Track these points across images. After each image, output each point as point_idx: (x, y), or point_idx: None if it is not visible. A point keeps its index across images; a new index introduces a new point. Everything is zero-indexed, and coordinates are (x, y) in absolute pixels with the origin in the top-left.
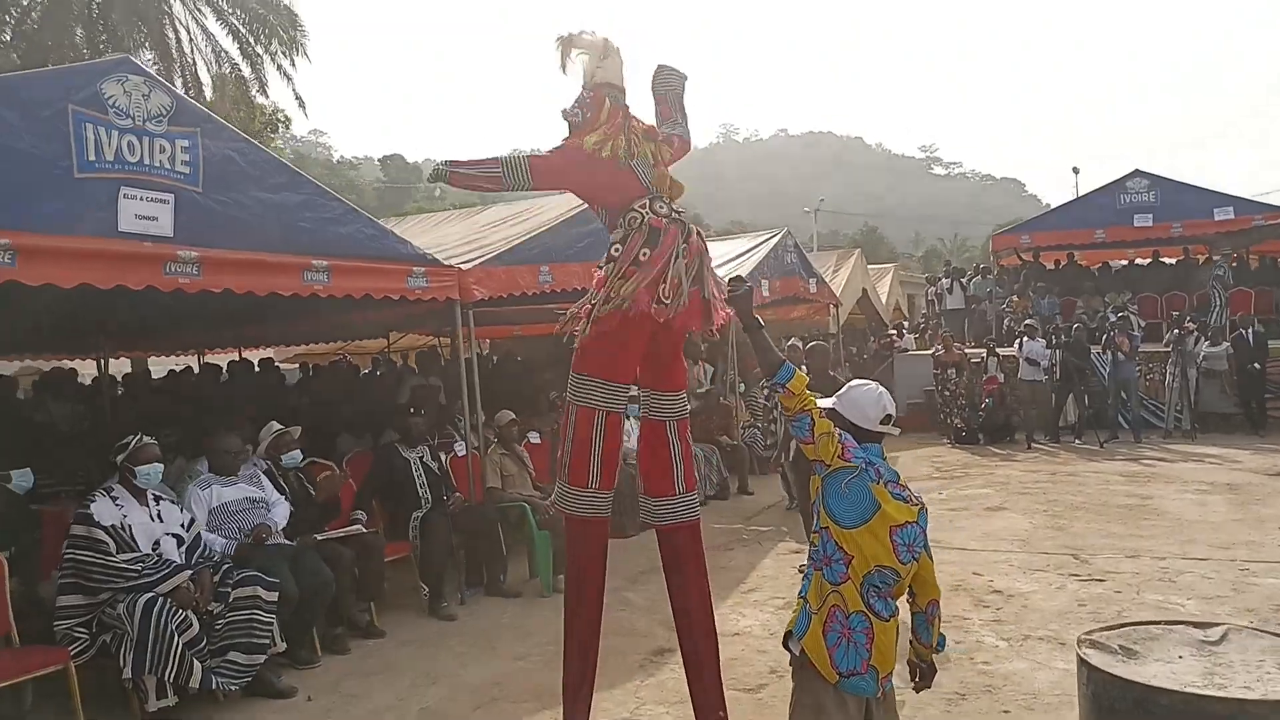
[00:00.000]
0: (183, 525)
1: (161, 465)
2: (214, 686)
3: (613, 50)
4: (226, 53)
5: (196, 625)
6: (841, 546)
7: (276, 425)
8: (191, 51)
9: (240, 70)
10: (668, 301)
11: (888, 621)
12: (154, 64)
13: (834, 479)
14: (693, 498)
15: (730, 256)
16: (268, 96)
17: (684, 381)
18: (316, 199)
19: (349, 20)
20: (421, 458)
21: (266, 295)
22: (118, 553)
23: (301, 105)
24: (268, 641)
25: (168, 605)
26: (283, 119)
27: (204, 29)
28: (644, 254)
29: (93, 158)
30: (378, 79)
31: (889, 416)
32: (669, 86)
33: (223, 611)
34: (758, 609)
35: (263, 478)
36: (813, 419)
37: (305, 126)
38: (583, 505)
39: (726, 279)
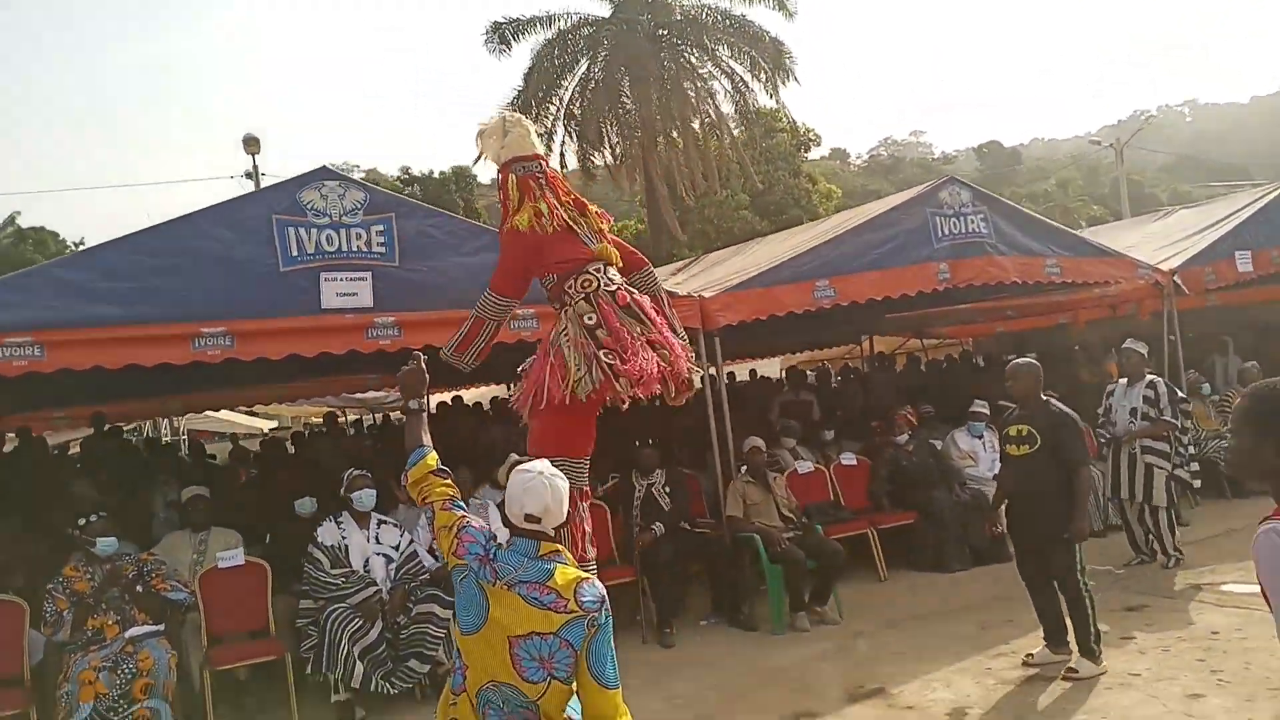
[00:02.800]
0: (395, 546)
1: (373, 491)
2: (373, 687)
3: (512, 124)
4: (729, 91)
5: (374, 634)
6: (460, 653)
7: (515, 456)
8: (699, 98)
9: (744, 103)
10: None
11: None
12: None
13: (453, 577)
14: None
15: (1200, 227)
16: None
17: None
18: None
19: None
20: (652, 485)
21: None
22: (331, 569)
23: (793, 125)
24: (435, 653)
25: (347, 615)
26: (814, 137)
27: (699, 76)
28: (601, 333)
29: (295, 253)
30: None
31: (531, 516)
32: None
33: (407, 624)
34: (974, 680)
35: (491, 509)
36: (434, 511)
37: (905, 129)
38: None
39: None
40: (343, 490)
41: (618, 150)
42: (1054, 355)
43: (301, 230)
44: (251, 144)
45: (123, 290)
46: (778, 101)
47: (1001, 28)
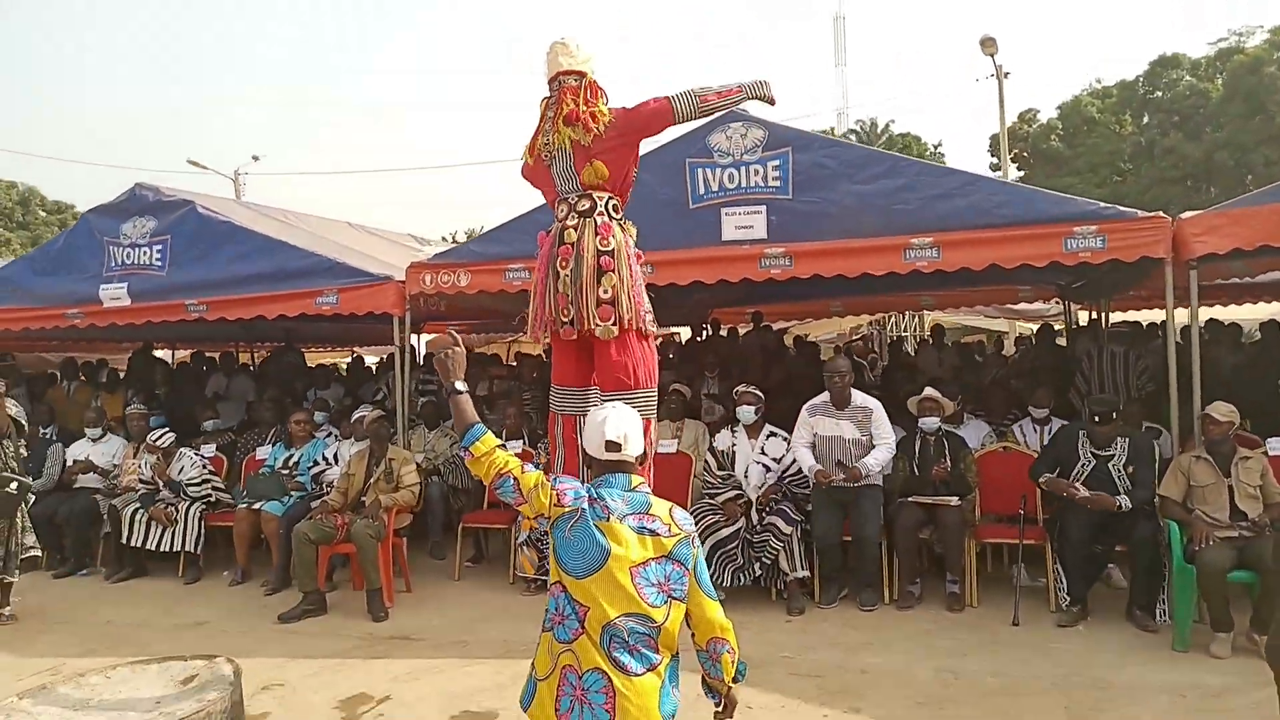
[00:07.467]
0: (778, 459)
1: (752, 408)
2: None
3: (545, 52)
4: None
5: (727, 531)
6: (575, 599)
7: (929, 390)
8: None
9: None
10: (568, 319)
11: (640, 676)
12: None
13: (558, 528)
14: None
15: None
16: None
17: (613, 383)
18: (922, 178)
19: None
20: (1110, 460)
21: (858, 276)
22: (718, 470)
23: None
24: (770, 561)
25: (704, 511)
26: None
27: None
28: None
29: (702, 192)
30: None
31: (612, 443)
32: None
33: (758, 529)
34: None
35: (876, 424)
36: (515, 478)
37: None
38: None
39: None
40: (734, 405)
41: None
42: None
43: (708, 170)
44: (989, 44)
45: None
46: None
47: None
